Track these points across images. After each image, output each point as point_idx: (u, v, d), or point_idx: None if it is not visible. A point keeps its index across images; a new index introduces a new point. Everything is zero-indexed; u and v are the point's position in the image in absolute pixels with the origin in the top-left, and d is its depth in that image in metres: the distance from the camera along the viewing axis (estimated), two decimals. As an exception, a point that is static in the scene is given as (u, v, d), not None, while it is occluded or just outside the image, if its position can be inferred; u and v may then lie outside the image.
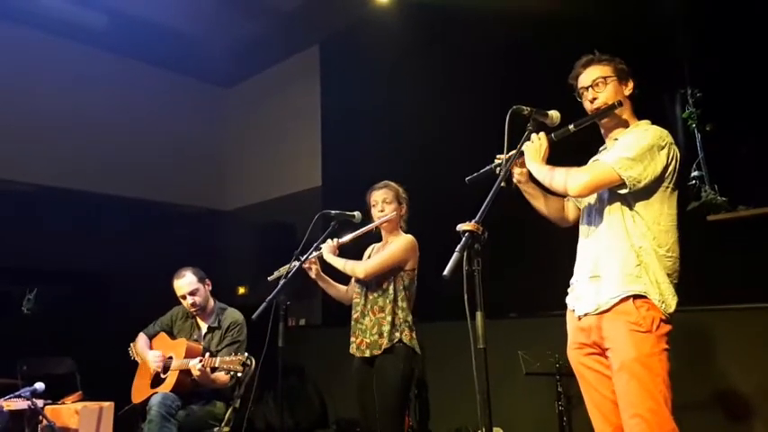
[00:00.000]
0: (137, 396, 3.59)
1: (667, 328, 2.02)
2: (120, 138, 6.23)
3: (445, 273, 1.67)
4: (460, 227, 1.78)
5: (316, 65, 6.40)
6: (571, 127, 2.18)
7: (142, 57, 6.47)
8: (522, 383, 3.74)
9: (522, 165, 2.26)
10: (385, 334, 2.93)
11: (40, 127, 5.74)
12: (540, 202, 2.39)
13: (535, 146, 2.20)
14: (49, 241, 5.42)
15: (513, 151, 2.15)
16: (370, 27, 5.60)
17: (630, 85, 2.23)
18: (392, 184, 3.20)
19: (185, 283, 3.60)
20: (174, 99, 6.75)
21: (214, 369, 3.32)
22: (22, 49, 5.73)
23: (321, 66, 6.36)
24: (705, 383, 3.27)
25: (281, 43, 6.50)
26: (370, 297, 3.05)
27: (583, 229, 2.28)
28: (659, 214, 2.07)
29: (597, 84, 2.20)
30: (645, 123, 2.21)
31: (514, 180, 2.32)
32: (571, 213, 2.42)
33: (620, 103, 2.17)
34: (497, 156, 2.22)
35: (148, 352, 3.62)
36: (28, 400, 3.19)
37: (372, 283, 3.06)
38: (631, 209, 2.09)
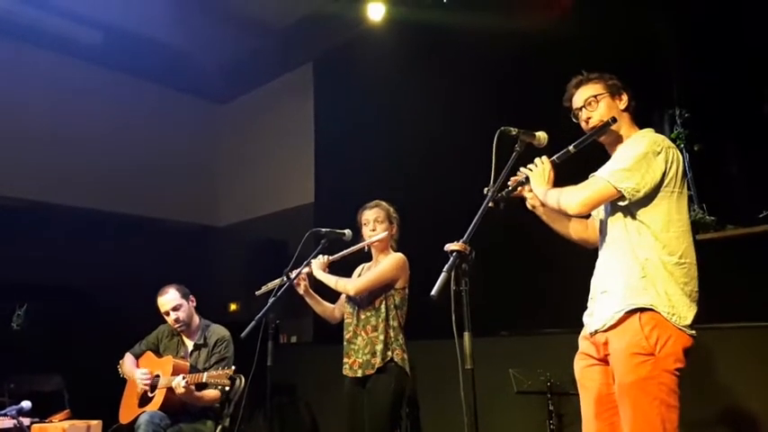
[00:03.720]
0: (125, 416, 3.55)
1: (682, 344, 1.96)
2: (113, 153, 6.23)
3: (433, 293, 1.67)
4: (448, 246, 1.79)
5: (309, 82, 6.43)
6: (571, 148, 2.18)
7: (136, 72, 6.49)
8: (514, 402, 3.72)
9: (530, 190, 2.23)
10: (378, 353, 2.92)
11: (32, 141, 5.75)
12: (560, 225, 2.36)
13: (539, 170, 2.19)
14: (39, 257, 5.40)
15: (503, 175, 2.15)
16: (364, 45, 5.64)
17: (625, 98, 2.22)
18: (383, 203, 3.20)
19: (168, 299, 3.58)
20: (167, 115, 6.76)
21: (203, 385, 3.30)
22: (15, 64, 5.75)
23: (314, 83, 6.39)
24: (694, 404, 3.25)
25: (275, 60, 6.55)
26: (362, 316, 3.04)
27: (599, 245, 2.26)
28: (667, 221, 2.03)
29: (589, 103, 2.21)
30: (644, 132, 2.19)
31: (528, 206, 2.31)
32: (594, 233, 2.35)
33: (614, 120, 2.16)
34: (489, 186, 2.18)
35: (136, 370, 3.59)
36: (14, 418, 3.15)
37: (364, 302, 3.05)
38: (635, 219, 2.06)
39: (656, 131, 3.50)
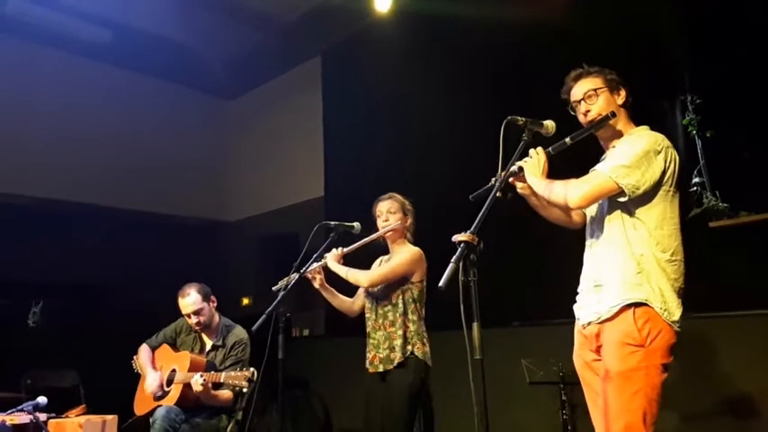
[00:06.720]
0: (140, 408, 3.57)
1: (669, 339, 2.00)
2: (123, 150, 6.28)
3: (441, 284, 1.67)
4: (456, 237, 1.78)
5: (317, 76, 6.41)
6: (567, 140, 2.19)
7: (145, 69, 6.52)
8: (527, 393, 3.72)
9: (524, 180, 2.25)
10: (397, 348, 2.91)
11: (42, 140, 5.80)
12: (547, 212, 2.39)
13: (534, 161, 2.20)
14: (53, 254, 5.46)
15: (510, 164, 2.15)
16: (371, 38, 5.63)
17: (623, 93, 2.23)
18: (397, 195, 3.18)
19: (190, 302, 3.56)
20: (176, 111, 6.79)
21: (219, 385, 3.31)
22: (24, 63, 5.80)
23: (323, 76, 6.37)
24: (708, 392, 3.24)
25: (283, 55, 6.54)
26: (380, 311, 3.03)
27: (588, 239, 2.29)
28: (662, 219, 2.07)
29: (589, 96, 2.22)
30: (641, 129, 2.20)
31: (519, 193, 2.32)
32: (578, 216, 2.40)
33: (614, 114, 2.17)
34: (497, 176, 2.20)
35: (149, 371, 3.60)
36: (30, 414, 3.20)
37: (381, 297, 3.04)
38: (632, 216, 2.09)
39: (668, 118, 3.55)
